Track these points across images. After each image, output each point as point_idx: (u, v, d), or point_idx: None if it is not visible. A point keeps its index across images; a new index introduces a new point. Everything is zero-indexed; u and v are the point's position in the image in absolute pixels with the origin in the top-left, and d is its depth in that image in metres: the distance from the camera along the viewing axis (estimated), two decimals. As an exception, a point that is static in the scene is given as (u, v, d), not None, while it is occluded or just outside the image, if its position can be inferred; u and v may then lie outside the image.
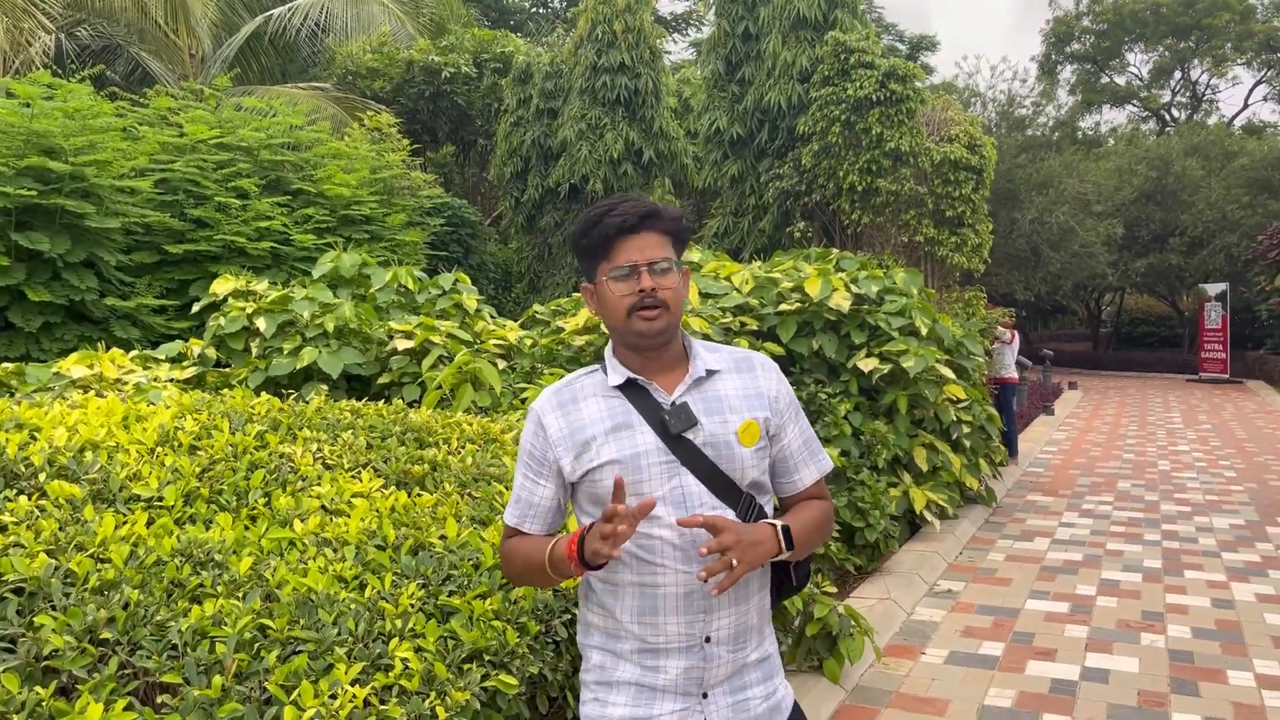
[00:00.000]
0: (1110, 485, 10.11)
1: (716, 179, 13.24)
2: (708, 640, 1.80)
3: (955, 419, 7.80)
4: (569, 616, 2.71)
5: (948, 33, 76.63)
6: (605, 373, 1.87)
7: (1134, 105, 42.18)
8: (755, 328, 7.42)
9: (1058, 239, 21.35)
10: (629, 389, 1.84)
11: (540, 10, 31.60)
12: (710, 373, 1.88)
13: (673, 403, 1.82)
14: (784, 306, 7.50)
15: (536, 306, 7.50)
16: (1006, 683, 4.67)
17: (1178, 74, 40.53)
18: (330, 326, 6.20)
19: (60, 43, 14.61)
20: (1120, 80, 41.54)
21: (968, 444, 8.06)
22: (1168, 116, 40.62)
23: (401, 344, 6.40)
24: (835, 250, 8.56)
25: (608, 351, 1.89)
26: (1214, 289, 24.58)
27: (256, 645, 2.34)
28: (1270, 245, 22.96)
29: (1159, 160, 25.75)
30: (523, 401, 5.16)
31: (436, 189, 12.45)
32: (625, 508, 1.61)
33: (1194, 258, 25.55)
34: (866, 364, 7.28)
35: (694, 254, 8.25)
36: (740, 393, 1.88)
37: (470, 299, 7.10)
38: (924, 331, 7.58)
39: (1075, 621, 5.62)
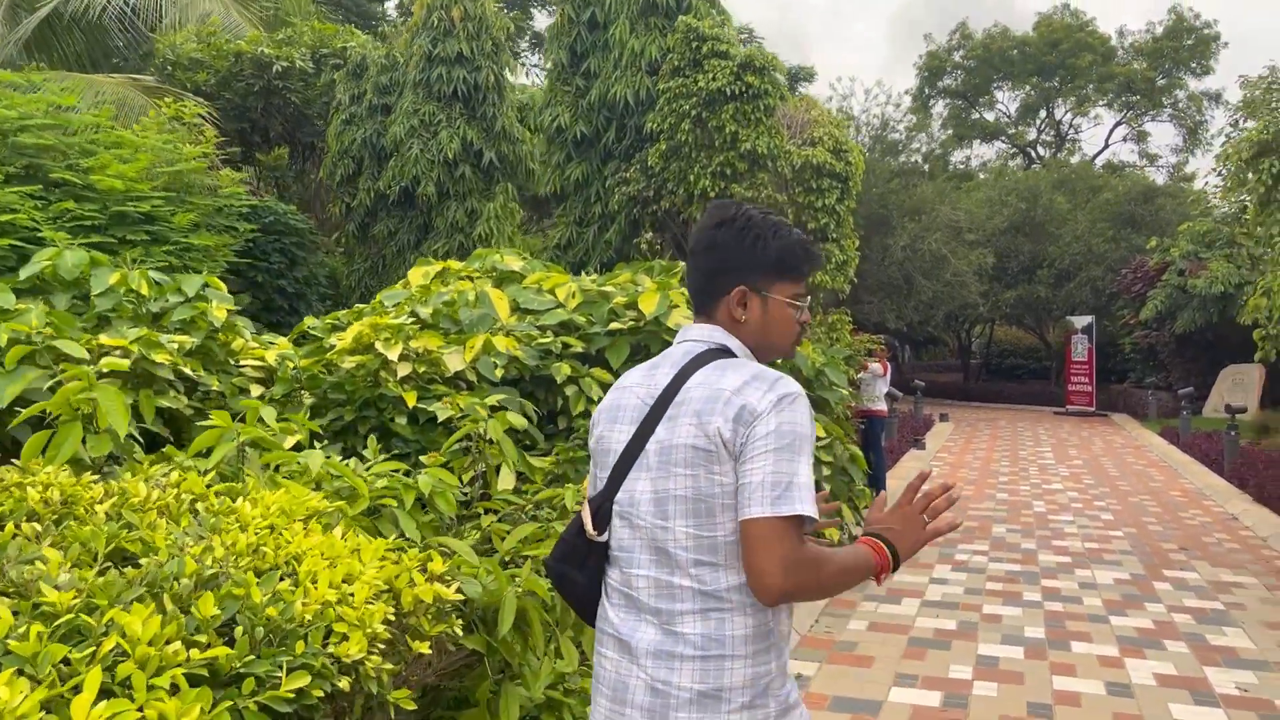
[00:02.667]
0: (984, 530, 9.22)
1: (560, 183, 11.90)
2: None
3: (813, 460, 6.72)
4: None
5: (825, 65, 77.78)
6: None
7: (1002, 141, 43.05)
8: (581, 350, 6.20)
9: (930, 267, 20.91)
10: None
11: (406, 19, 30.05)
12: None
13: None
14: (615, 325, 6.31)
15: (309, 320, 6.11)
16: (861, 825, 3.50)
17: (1043, 112, 41.53)
18: (2, 340, 4.70)
19: None
20: (989, 116, 42.36)
21: (828, 488, 6.98)
22: (1034, 154, 41.51)
23: (109, 364, 4.95)
24: (683, 264, 7.42)
25: (744, 349, 1.87)
26: (1080, 321, 24.61)
27: None
28: (1134, 279, 23.07)
29: (1028, 192, 25.77)
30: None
31: (240, 188, 10.88)
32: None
33: (1061, 290, 25.60)
34: (710, 395, 6.12)
35: (513, 262, 7.00)
36: None
37: (219, 309, 5.66)
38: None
39: (949, 720, 4.52)
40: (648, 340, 6.34)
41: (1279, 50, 52.50)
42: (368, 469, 3.47)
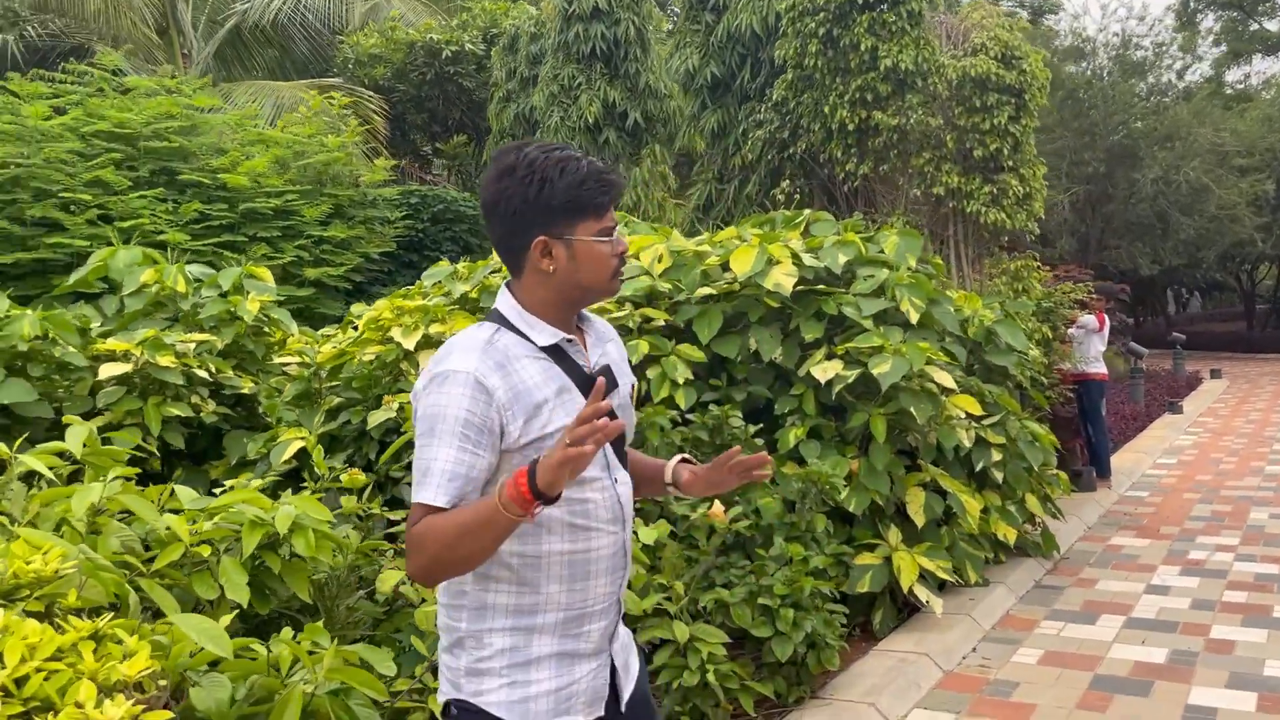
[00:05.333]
0: (1239, 517, 7.36)
1: (696, 136, 10.67)
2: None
3: (974, 442, 5.36)
4: None
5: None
6: (517, 332, 1.76)
7: (1291, 52, 37.29)
8: (664, 321, 5.18)
9: (1189, 201, 17.96)
10: (550, 350, 1.77)
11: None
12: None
13: (593, 365, 1.81)
14: (705, 290, 5.23)
15: (356, 308, 5.44)
16: None
17: (1343, 12, 35.57)
18: (-11, 349, 4.28)
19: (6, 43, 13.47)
20: (1272, 26, 36.80)
21: (1001, 477, 5.60)
22: (1332, 62, 35.70)
23: (109, 370, 4.46)
24: (808, 211, 6.19)
25: (516, 309, 1.78)
26: (1394, 251, 20.60)
27: None
28: None
29: (1317, 103, 21.85)
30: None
31: (383, 175, 10.54)
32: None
33: (1369, 216, 21.53)
34: (823, 370, 4.95)
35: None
36: (620, 357, 1.91)
37: (251, 302, 5.08)
38: (914, 318, 5.18)
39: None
40: (745, 306, 5.22)
41: None
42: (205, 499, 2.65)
